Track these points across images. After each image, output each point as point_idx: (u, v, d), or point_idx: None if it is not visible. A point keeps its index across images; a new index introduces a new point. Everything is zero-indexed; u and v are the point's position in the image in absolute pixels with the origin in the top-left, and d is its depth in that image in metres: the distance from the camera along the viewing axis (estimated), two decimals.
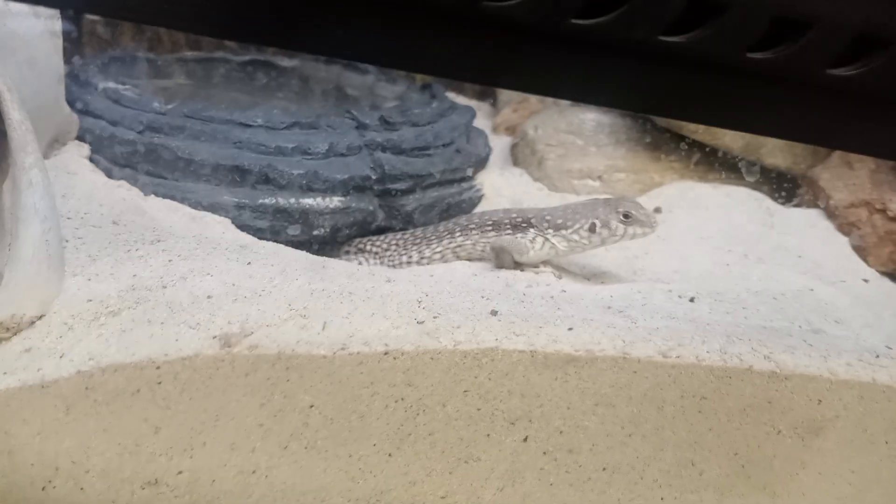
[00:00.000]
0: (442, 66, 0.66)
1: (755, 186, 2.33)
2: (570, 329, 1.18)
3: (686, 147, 2.33)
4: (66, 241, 1.42)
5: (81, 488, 1.12)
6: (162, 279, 1.29)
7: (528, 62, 0.64)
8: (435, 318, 1.20)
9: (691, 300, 1.59)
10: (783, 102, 0.71)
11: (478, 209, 2.38)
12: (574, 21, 0.58)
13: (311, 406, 1.13)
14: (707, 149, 2.32)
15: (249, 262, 1.37)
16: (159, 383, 1.11)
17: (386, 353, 1.10)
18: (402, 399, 1.13)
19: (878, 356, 1.30)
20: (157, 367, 1.10)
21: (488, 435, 1.16)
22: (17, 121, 1.24)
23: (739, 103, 0.71)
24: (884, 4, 0.63)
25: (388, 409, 1.14)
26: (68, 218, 1.51)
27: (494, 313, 1.25)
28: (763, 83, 0.67)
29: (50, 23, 2.05)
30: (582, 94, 0.75)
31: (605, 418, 1.16)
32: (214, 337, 1.12)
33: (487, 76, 0.70)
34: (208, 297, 1.24)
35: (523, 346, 1.13)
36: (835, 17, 0.60)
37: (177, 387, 1.11)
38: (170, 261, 1.35)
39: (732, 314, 1.55)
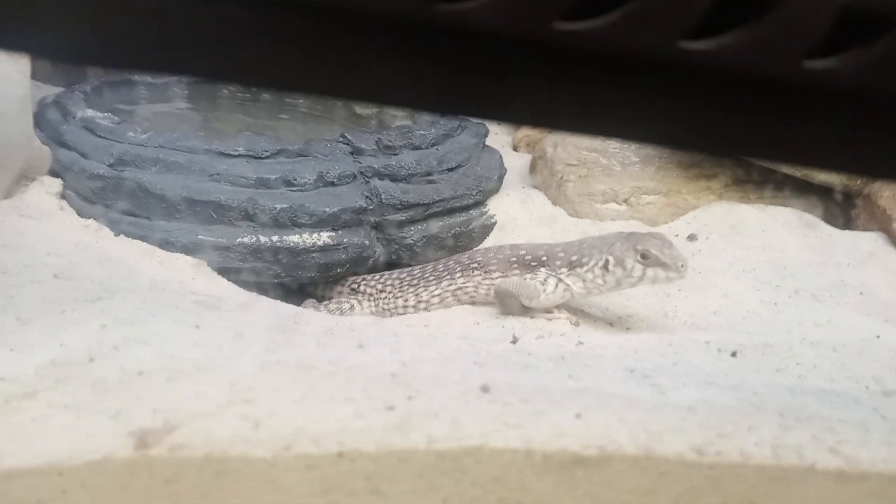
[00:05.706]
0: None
1: (805, 207, 2.05)
2: (578, 416, 0.93)
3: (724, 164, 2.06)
4: None
5: None
6: (90, 350, 1.08)
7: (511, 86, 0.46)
8: (410, 398, 0.97)
9: (733, 355, 1.33)
10: (852, 126, 0.48)
11: (490, 238, 2.14)
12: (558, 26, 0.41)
13: None
14: (748, 164, 2.05)
15: (198, 326, 1.16)
16: (64, 493, 0.89)
17: (340, 455, 0.87)
18: None
19: None
20: (61, 474, 0.89)
21: None
22: None
23: (792, 130, 0.48)
24: None
25: None
26: (4, 272, 1.32)
27: (486, 389, 1.02)
28: (824, 100, 0.46)
29: None
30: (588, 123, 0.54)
31: None
32: (130, 433, 0.90)
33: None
34: (140, 373, 1.03)
35: (517, 442, 0.89)
36: None
37: (85, 497, 0.89)
38: (104, 325, 1.14)
39: (784, 372, 1.29)
